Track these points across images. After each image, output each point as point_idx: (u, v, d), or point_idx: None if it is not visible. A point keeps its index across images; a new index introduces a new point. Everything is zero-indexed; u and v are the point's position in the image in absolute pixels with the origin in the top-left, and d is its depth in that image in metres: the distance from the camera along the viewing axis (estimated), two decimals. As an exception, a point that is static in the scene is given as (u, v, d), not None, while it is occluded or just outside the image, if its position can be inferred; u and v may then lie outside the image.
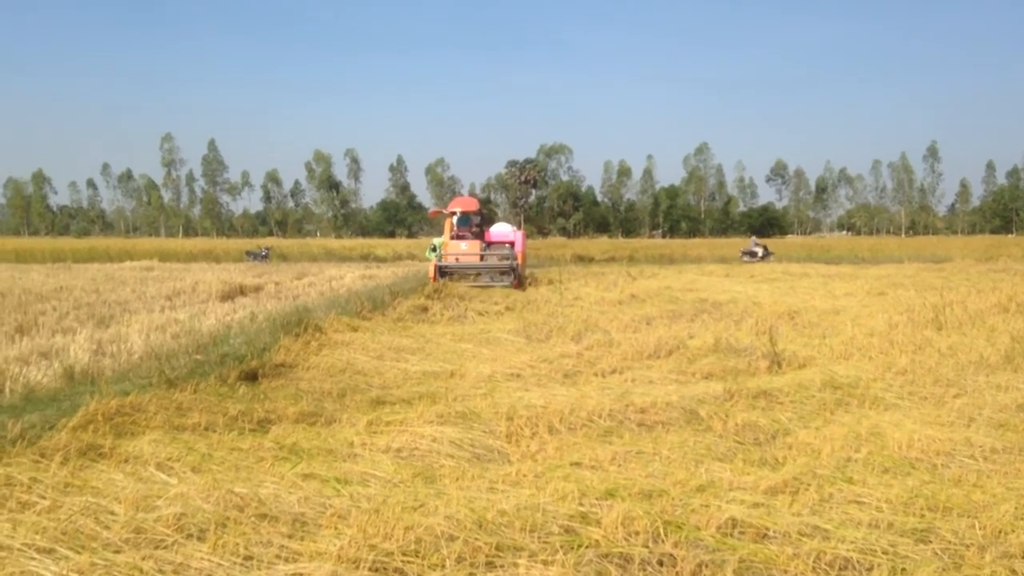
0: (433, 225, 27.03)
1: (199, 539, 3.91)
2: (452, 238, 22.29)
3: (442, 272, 20.62)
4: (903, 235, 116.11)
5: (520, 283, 20.92)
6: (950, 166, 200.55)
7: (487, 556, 3.66)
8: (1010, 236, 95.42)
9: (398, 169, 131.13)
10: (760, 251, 39.05)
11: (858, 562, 3.63)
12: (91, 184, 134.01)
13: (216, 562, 3.63)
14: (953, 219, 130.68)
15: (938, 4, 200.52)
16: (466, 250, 21.77)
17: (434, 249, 21.92)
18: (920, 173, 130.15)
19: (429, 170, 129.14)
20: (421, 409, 6.59)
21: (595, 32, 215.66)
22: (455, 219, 22.74)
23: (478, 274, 21.01)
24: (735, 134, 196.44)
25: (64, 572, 3.54)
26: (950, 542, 3.82)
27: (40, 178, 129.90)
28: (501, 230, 23.49)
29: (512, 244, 22.42)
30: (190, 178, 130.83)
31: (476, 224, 22.97)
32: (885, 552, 3.70)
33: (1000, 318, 11.34)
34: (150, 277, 26.28)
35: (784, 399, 7.10)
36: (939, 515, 4.14)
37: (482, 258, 21.46)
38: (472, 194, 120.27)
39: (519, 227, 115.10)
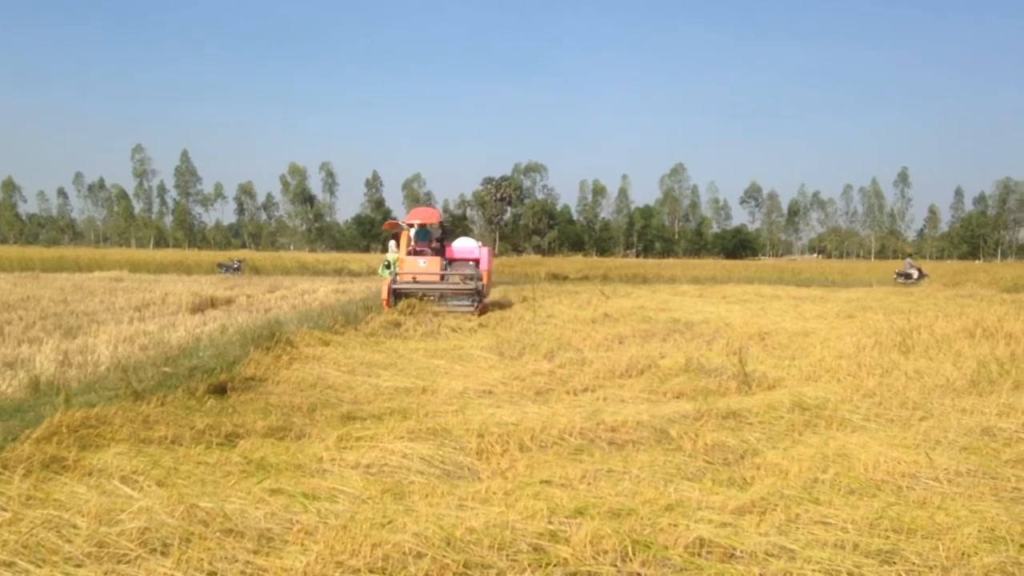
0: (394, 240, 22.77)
1: (163, 554, 3.86)
2: (409, 254, 19.41)
3: (396, 295, 17.96)
4: (872, 259, 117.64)
5: (484, 308, 18.42)
6: (920, 191, 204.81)
7: (455, 574, 3.65)
8: (977, 262, 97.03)
9: (373, 184, 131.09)
10: (915, 273, 36.62)
11: (824, 583, 3.65)
12: (61, 193, 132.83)
13: (179, 578, 3.58)
14: (922, 244, 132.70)
15: (913, 31, 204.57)
16: (425, 268, 18.84)
17: (388, 266, 19.72)
18: (890, 198, 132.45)
19: (405, 185, 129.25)
20: (392, 425, 6.56)
21: (572, 52, 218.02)
22: (412, 232, 19.83)
23: (439, 297, 18.31)
24: (711, 156, 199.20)
25: (23, 587, 3.47)
26: (914, 564, 3.85)
27: (10, 186, 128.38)
28: (464, 245, 20.64)
29: (477, 262, 19.88)
30: (161, 189, 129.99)
31: (437, 238, 20.28)
32: (850, 573, 3.73)
33: (966, 343, 11.49)
34: (119, 288, 25.94)
35: (753, 420, 7.15)
36: (904, 537, 4.18)
37: (443, 278, 18.76)
38: (446, 210, 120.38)
39: (493, 244, 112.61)
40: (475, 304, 17.77)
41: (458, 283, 18.47)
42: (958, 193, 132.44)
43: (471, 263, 19.63)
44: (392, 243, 20.55)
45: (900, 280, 36.68)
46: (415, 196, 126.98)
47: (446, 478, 5.47)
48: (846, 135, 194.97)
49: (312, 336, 12.35)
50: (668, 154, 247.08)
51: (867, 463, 5.54)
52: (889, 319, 14.57)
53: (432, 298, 18.10)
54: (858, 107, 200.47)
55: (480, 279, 18.63)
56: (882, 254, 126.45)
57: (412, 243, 19.60)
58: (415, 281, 18.41)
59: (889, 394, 8.09)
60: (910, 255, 55.74)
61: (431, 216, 20.43)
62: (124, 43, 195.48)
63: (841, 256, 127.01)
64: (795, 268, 56.40)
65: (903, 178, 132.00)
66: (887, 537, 4.17)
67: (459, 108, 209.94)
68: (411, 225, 19.83)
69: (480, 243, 20.88)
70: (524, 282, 36.54)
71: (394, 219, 20.94)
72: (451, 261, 19.64)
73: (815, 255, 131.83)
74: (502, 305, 20.54)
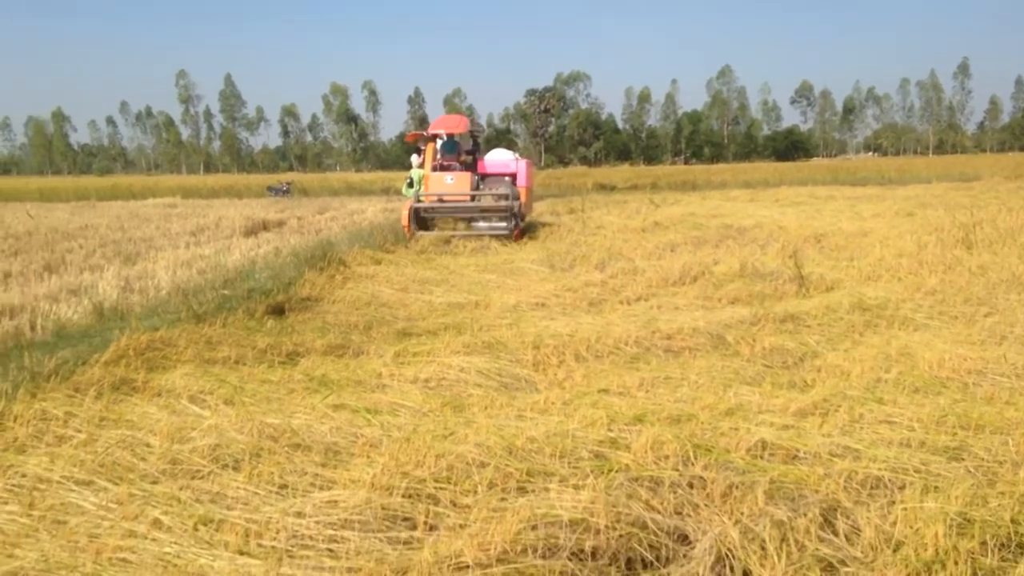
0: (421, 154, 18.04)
1: (234, 469, 3.97)
2: (435, 169, 16.63)
3: (419, 218, 15.66)
4: (931, 155, 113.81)
5: (521, 232, 15.85)
6: (980, 83, 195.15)
7: (518, 482, 3.70)
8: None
9: (416, 101, 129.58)
10: None
11: (890, 481, 3.63)
12: (110, 122, 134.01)
13: (252, 491, 3.69)
14: (982, 137, 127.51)
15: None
16: (452, 186, 16.09)
17: (411, 185, 16.97)
18: (949, 91, 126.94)
19: (447, 101, 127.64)
20: (447, 340, 6.61)
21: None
22: (439, 144, 17.02)
23: (470, 220, 16.14)
24: (759, 56, 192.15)
25: (103, 503, 3.62)
26: (983, 459, 3.80)
27: (60, 117, 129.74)
28: (499, 158, 17.91)
29: (513, 177, 17.14)
30: (208, 115, 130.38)
31: (467, 151, 17.35)
32: (917, 471, 3.70)
33: (1032, 236, 11.13)
34: (173, 214, 26.38)
35: (812, 322, 7.06)
36: (971, 433, 4.12)
37: (474, 198, 16.06)
38: (490, 124, 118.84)
39: (538, 156, 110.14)
40: (512, 227, 15.40)
41: (491, 203, 15.95)
42: (1020, 83, 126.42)
43: (507, 179, 17.09)
44: (415, 157, 17.74)
45: None
46: (457, 111, 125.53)
47: (504, 390, 5.51)
48: (901, 28, 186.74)
49: (364, 255, 12.46)
50: (715, 57, 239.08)
51: (931, 361, 5.44)
52: (950, 215, 14.15)
53: (463, 224, 16.21)
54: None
55: (517, 197, 16.11)
56: (940, 149, 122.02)
57: (438, 156, 16.95)
58: (441, 202, 16.01)
59: (952, 291, 7.90)
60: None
61: (459, 125, 17.38)
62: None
63: (898, 153, 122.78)
64: (850, 167, 54.95)
65: (963, 69, 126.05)
66: (954, 434, 4.11)
67: (499, 20, 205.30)
68: (436, 136, 17.03)
69: (517, 155, 18.28)
70: (571, 194, 36.26)
71: (418, 131, 18.22)
72: (484, 176, 17.00)
73: (871, 153, 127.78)
74: (550, 218, 20.41)
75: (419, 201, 15.90)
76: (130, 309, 8.85)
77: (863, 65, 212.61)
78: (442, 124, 17.27)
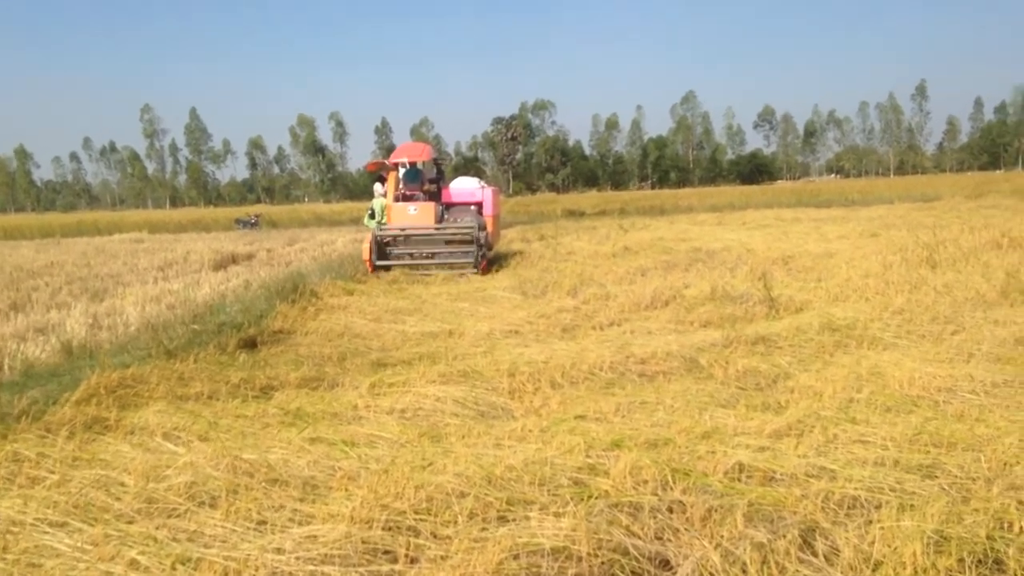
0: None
1: (211, 506, 3.93)
2: (397, 199, 15.85)
3: (381, 251, 14.94)
4: (892, 175, 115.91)
5: (488, 264, 15.08)
6: (938, 104, 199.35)
7: (498, 511, 3.69)
8: (998, 172, 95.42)
9: (383, 131, 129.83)
10: None
11: (866, 500, 3.67)
12: (74, 158, 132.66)
13: (230, 528, 3.65)
14: (941, 157, 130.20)
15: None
16: (416, 217, 15.31)
17: (372, 216, 15.99)
18: (908, 112, 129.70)
19: (414, 131, 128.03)
20: (422, 369, 6.60)
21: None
22: (401, 173, 16.13)
23: (432, 253, 15.21)
24: (722, 81, 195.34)
25: (79, 544, 3.55)
26: (956, 476, 3.86)
27: (22, 154, 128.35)
28: (464, 186, 16.99)
29: (479, 206, 16.30)
30: (173, 148, 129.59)
31: (431, 179, 16.57)
32: (892, 489, 3.74)
33: (994, 254, 11.37)
34: (141, 249, 26.10)
35: (783, 343, 7.14)
36: (944, 451, 4.19)
37: (439, 229, 15.31)
38: (457, 153, 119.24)
39: (506, 183, 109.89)
40: (477, 259, 14.63)
41: (456, 234, 15.17)
42: (978, 103, 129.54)
43: (472, 207, 16.26)
44: (378, 186, 16.82)
45: None
46: (424, 140, 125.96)
47: (481, 419, 5.50)
48: (860, 51, 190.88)
49: (336, 286, 12.42)
50: (678, 84, 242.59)
51: (902, 380, 5.52)
52: (914, 235, 14.42)
53: (420, 255, 15.24)
54: (872, 19, 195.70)
55: (483, 227, 15.17)
56: (901, 170, 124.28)
57: (401, 186, 16.13)
58: (403, 234, 15.21)
59: (919, 310, 8.03)
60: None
61: (421, 153, 16.56)
62: (122, 5, 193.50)
63: (860, 175, 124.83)
64: (814, 190, 55.80)
65: (921, 91, 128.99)
66: (927, 452, 4.17)
67: (464, 49, 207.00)
68: (398, 164, 16.20)
69: (483, 183, 17.35)
70: (541, 220, 36.46)
71: (380, 159, 17.43)
72: (448, 206, 16.30)
73: (833, 175, 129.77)
74: (520, 245, 20.48)
75: (380, 233, 15.14)
76: (99, 346, 8.73)
77: (823, 89, 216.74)
78: (404, 152, 16.51)
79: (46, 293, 14.04)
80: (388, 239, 15.19)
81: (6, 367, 7.85)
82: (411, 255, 15.31)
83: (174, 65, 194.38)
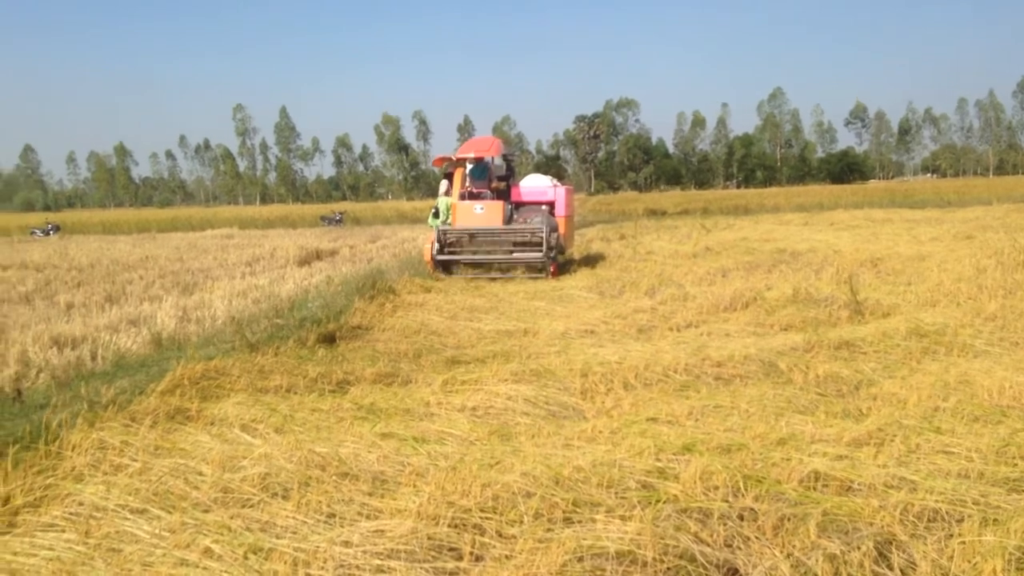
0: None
1: (283, 498, 4.01)
2: (463, 197, 14.97)
3: (442, 252, 14.08)
4: (991, 175, 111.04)
5: (560, 268, 14.11)
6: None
7: (564, 512, 3.67)
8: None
9: (465, 129, 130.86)
10: None
11: (947, 513, 3.51)
12: (170, 155, 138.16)
13: (300, 519, 3.72)
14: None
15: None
16: (482, 217, 14.43)
17: (436, 215, 15.35)
18: (1009, 110, 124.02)
19: (496, 128, 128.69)
20: (495, 368, 6.61)
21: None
22: (468, 169, 15.23)
23: (499, 258, 14.17)
24: (811, 77, 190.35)
25: (157, 531, 3.67)
26: (1047, 492, 3.66)
27: (122, 151, 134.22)
28: (536, 184, 16.04)
29: (551, 205, 15.28)
30: (264, 147, 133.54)
31: (500, 176, 15.63)
32: (976, 503, 3.58)
33: (1099, 259, 10.77)
34: (230, 244, 26.97)
35: (867, 349, 6.91)
36: (1034, 465, 3.98)
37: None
38: (539, 151, 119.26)
39: (588, 182, 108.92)
40: (547, 263, 13.67)
41: (523, 236, 14.08)
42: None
43: (544, 207, 15.20)
44: (444, 183, 15.97)
45: None
46: (506, 138, 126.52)
47: (551, 418, 5.48)
48: (958, 46, 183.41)
49: (414, 283, 12.58)
50: (766, 80, 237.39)
51: (991, 389, 5.28)
52: (1011, 237, 13.76)
53: (485, 256, 14.24)
54: (971, 13, 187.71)
55: (555, 228, 14.11)
56: (1001, 169, 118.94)
57: (467, 183, 15.21)
58: (469, 232, 14.25)
59: (1013, 316, 7.66)
60: None
61: (490, 147, 15.53)
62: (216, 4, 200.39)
63: (957, 175, 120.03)
64: (907, 189, 53.93)
65: (1023, 88, 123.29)
66: (1015, 465, 3.97)
67: (547, 47, 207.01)
68: (464, 160, 15.24)
69: (555, 181, 16.23)
70: (621, 219, 36.18)
71: (448, 155, 16.30)
72: (518, 205, 15.26)
73: (929, 175, 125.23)
74: (600, 244, 20.35)
75: (443, 233, 14.20)
76: (187, 339, 9.04)
77: (917, 85, 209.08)
78: (472, 147, 15.57)
79: (140, 286, 14.63)
80: (452, 239, 14.30)
81: (99, 357, 8.20)
82: (476, 255, 14.39)
83: (266, 65, 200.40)
